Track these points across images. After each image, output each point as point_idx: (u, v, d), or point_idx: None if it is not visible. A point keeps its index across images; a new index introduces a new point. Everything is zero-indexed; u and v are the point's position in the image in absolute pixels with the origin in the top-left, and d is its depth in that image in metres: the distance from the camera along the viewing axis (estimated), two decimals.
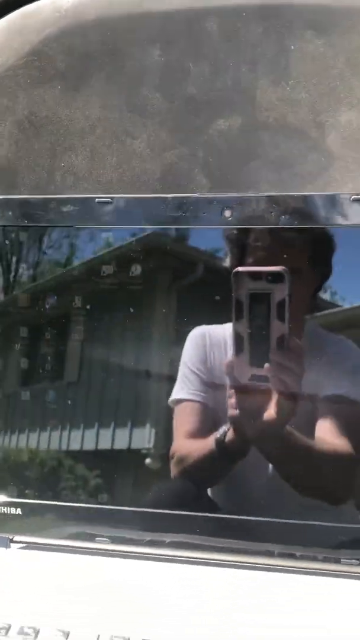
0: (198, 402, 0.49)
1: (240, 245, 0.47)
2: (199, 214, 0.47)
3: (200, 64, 0.55)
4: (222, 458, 0.47)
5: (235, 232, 0.47)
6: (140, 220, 0.48)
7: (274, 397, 0.45)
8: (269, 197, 0.45)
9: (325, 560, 0.45)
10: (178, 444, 0.49)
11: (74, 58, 0.57)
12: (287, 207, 0.45)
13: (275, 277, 0.44)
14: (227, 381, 0.47)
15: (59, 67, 0.57)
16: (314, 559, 0.45)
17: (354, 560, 0.44)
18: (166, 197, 0.47)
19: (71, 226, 0.50)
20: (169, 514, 0.48)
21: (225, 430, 0.47)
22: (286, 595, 0.43)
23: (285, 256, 0.45)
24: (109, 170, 0.57)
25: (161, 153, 0.56)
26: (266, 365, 0.45)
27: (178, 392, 0.49)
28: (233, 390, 0.47)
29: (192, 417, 0.49)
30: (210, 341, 0.49)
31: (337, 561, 0.44)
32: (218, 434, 0.47)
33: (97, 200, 0.48)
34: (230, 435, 0.47)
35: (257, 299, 0.45)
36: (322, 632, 0.39)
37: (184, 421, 0.49)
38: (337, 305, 0.47)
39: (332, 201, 0.44)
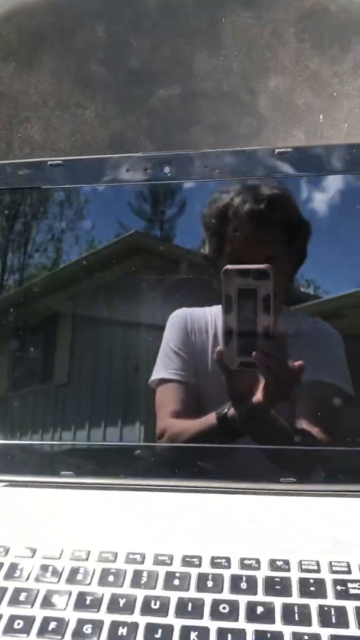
0: (181, 381, 0.50)
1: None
2: (142, 171, 0.51)
3: (141, 39, 0.59)
4: (223, 433, 0.48)
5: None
6: (88, 180, 0.52)
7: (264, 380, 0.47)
8: (202, 153, 0.50)
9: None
10: (166, 423, 0.49)
11: (26, 36, 0.61)
12: (220, 162, 0.50)
13: (261, 275, 0.47)
14: (209, 362, 0.49)
15: (12, 45, 0.61)
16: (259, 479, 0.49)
17: (290, 479, 0.48)
18: (111, 157, 0.52)
19: (25, 188, 0.54)
20: (128, 446, 0.51)
21: (226, 408, 0.48)
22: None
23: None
24: (62, 139, 0.62)
25: (109, 122, 0.61)
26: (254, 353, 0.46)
27: (160, 371, 0.50)
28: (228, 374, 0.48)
29: (177, 397, 0.50)
30: (192, 323, 0.51)
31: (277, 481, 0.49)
32: (219, 410, 0.48)
33: (49, 163, 0.53)
34: (231, 412, 0.48)
35: (245, 295, 0.47)
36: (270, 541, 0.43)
37: (168, 401, 0.50)
38: None
39: (260, 155, 0.50)
